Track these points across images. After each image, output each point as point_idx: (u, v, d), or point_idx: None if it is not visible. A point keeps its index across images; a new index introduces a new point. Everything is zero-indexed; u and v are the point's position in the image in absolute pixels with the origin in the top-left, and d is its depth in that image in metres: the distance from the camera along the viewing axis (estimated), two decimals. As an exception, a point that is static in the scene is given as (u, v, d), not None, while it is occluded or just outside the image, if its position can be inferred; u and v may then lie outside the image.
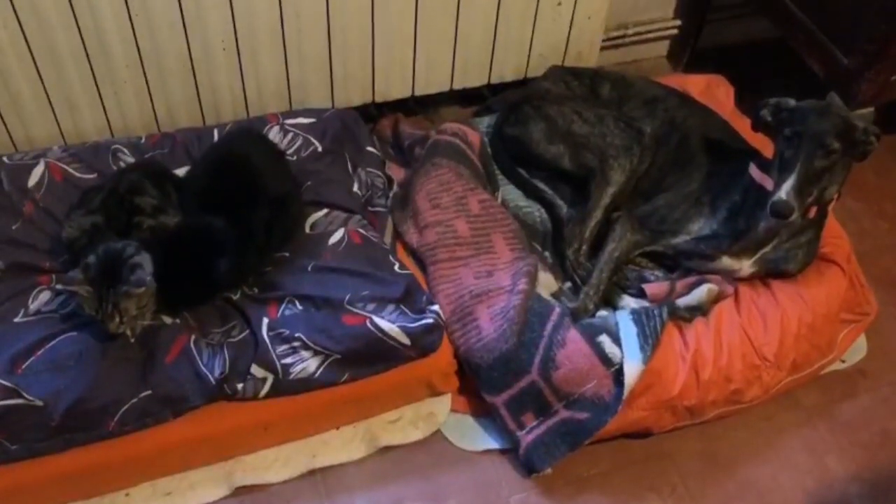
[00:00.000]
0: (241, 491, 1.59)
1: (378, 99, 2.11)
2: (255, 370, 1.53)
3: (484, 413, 1.71)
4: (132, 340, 1.53)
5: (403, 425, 1.69)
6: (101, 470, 1.51)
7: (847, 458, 1.71)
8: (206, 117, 1.99)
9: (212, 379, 1.50)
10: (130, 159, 1.84)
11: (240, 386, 1.53)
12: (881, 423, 1.77)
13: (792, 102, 1.68)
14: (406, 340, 1.58)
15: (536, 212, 1.98)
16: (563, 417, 1.63)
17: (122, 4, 1.73)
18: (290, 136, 1.92)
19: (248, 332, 1.58)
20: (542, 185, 2.00)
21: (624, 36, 2.40)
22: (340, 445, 1.65)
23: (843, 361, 1.86)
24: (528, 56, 2.17)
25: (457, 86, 2.17)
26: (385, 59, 2.03)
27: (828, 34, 1.94)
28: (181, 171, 1.81)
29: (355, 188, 1.87)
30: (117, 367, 1.49)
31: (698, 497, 1.64)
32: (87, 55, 1.79)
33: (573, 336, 1.63)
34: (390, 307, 1.62)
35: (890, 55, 1.84)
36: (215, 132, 1.91)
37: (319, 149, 1.90)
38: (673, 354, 1.65)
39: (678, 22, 2.44)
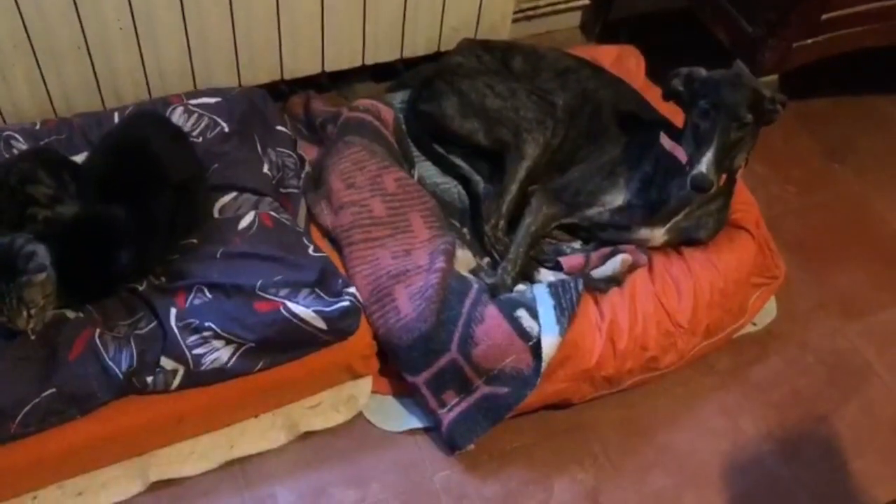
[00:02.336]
0: (156, 486, 1.54)
1: (287, 76, 2.05)
2: (165, 362, 1.48)
3: (405, 393, 1.70)
4: (32, 338, 1.45)
5: (324, 410, 1.66)
6: (4, 474, 1.44)
7: (759, 418, 1.76)
8: (106, 100, 1.90)
9: (119, 373, 1.45)
10: (24, 146, 1.74)
11: (149, 379, 1.48)
12: (791, 383, 1.83)
13: (703, 72, 1.68)
14: (322, 325, 1.55)
15: (454, 188, 1.96)
16: (483, 393, 1.63)
17: (3, -20, 1.63)
18: (194, 117, 1.85)
19: (155, 323, 1.52)
20: (458, 161, 1.99)
21: (536, 7, 2.38)
22: (259, 434, 1.61)
23: (755, 325, 1.91)
24: (440, 29, 2.14)
25: (368, 61, 2.13)
26: (292, 35, 1.97)
27: (732, 3, 1.97)
28: (80, 158, 1.73)
29: (265, 169, 1.82)
30: (17, 368, 1.43)
31: (619, 465, 1.66)
32: (-31, 36, 1.69)
33: (491, 312, 1.62)
34: (305, 291, 1.59)
35: (790, 23, 1.88)
36: (116, 116, 1.83)
37: (226, 129, 1.84)
38: (589, 326, 1.67)
39: (590, -8, 2.44)
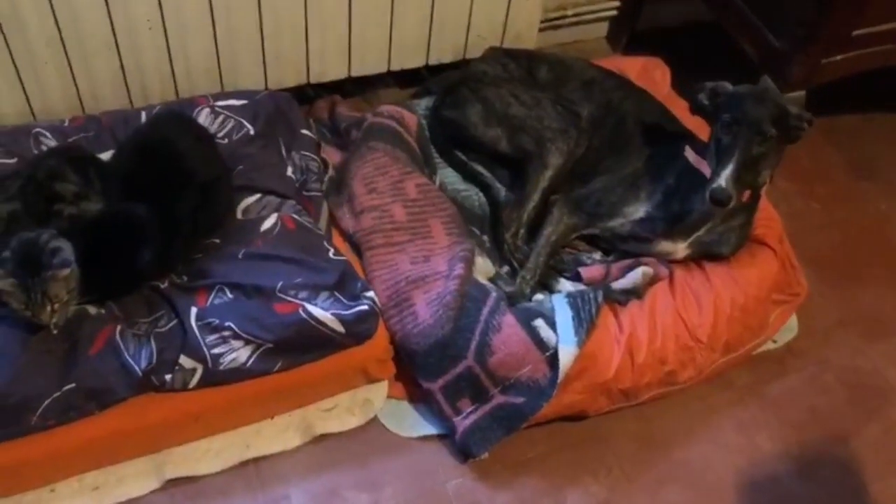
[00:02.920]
0: (171, 484, 1.55)
1: (313, 80, 2.07)
2: (184, 361, 1.49)
3: (421, 399, 1.70)
4: (55, 332, 1.47)
5: (339, 413, 1.67)
6: (23, 466, 1.46)
7: (776, 436, 1.74)
8: (134, 99, 1.93)
9: (138, 371, 1.46)
10: (53, 143, 1.77)
11: (168, 377, 1.49)
12: (809, 401, 1.81)
13: (729, 87, 1.68)
14: (340, 328, 1.56)
15: (475, 195, 1.96)
16: (498, 402, 1.62)
17: (38, -21, 1.66)
18: (220, 118, 1.87)
19: (175, 321, 1.53)
20: (480, 169, 1.99)
21: (563, 17, 2.39)
22: (274, 435, 1.62)
23: (775, 342, 1.89)
24: (467, 37, 2.15)
25: (394, 67, 2.14)
26: (319, 39, 1.98)
27: (760, 17, 1.96)
28: (107, 156, 1.75)
29: (289, 172, 1.83)
30: (38, 361, 1.44)
31: (633, 478, 1.65)
32: (3, 32, 1.71)
33: (509, 321, 1.62)
34: (324, 294, 1.60)
35: (819, 38, 1.86)
36: (143, 114, 1.85)
37: (252, 132, 1.86)
38: (608, 338, 1.66)
39: (617, 3, 2.43)
